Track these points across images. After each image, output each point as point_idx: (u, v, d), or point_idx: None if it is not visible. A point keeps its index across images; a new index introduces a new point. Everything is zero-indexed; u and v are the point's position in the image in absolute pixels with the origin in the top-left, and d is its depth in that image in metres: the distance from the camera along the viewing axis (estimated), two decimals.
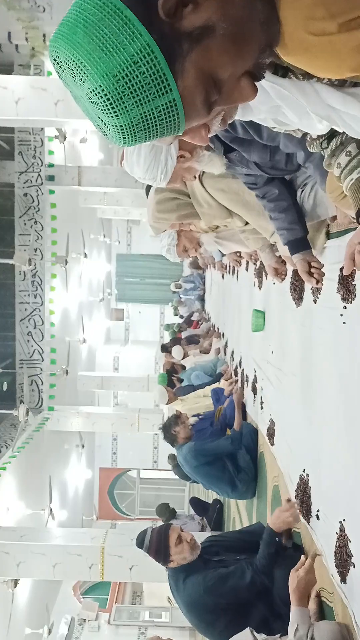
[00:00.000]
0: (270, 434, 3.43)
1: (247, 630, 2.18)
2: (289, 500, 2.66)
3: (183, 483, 14.35)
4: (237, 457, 3.99)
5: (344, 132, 1.37)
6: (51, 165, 9.50)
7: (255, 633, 2.16)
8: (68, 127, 8.98)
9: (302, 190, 2.05)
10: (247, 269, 4.75)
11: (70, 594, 11.56)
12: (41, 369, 9.46)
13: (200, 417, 4.68)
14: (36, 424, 9.17)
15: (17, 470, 8.21)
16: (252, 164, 1.79)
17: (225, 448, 3.97)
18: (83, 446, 12.39)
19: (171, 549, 2.52)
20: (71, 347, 10.86)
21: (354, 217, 1.49)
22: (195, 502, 6.89)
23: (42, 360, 9.46)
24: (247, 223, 2.49)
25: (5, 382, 8.36)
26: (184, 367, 7.02)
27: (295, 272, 2.72)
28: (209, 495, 7.37)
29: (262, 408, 3.81)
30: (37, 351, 9.44)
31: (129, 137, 0.66)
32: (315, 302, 2.39)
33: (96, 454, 15.80)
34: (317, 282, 2.01)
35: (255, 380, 4.15)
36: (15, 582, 6.98)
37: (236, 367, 5.39)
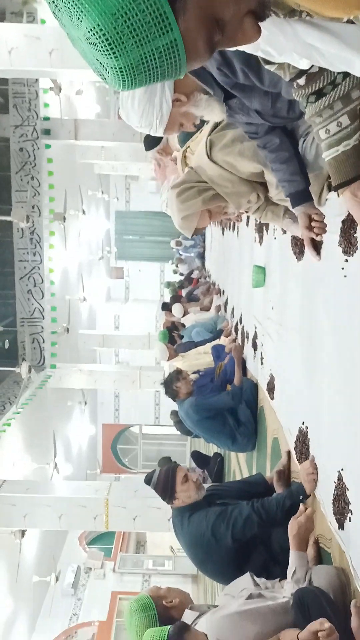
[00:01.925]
0: (270, 388, 3.47)
1: (248, 574, 2.26)
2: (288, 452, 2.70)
3: (184, 438, 14.64)
4: (238, 412, 4.04)
5: (334, 93, 1.32)
6: (47, 119, 9.27)
7: (255, 577, 2.24)
8: (63, 78, 8.71)
9: (304, 140, 2.00)
10: (247, 224, 4.70)
11: (76, 544, 11.96)
12: (42, 327, 9.50)
13: (200, 373, 4.72)
14: (39, 381, 9.28)
15: (22, 426, 8.36)
16: (253, 111, 1.74)
17: (225, 403, 4.02)
18: (86, 403, 12.57)
19: (177, 486, 2.59)
20: (71, 305, 10.87)
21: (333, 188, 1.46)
22: (197, 456, 7.03)
23: (43, 319, 9.49)
24: (266, 196, 2.41)
25: (7, 340, 8.42)
26: (184, 325, 7.03)
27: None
28: (210, 450, 7.52)
29: (262, 363, 3.84)
30: (38, 309, 9.46)
31: (128, 80, 0.64)
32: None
33: (99, 411, 16.06)
34: (317, 235, 1.98)
35: (255, 337, 4.16)
36: (23, 532, 7.21)
37: (236, 323, 5.40)
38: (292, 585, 1.93)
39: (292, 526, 2.01)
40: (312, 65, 1.26)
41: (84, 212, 11.62)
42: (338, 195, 1.47)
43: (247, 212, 2.60)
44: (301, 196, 1.97)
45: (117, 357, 15.81)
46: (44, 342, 9.54)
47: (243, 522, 2.51)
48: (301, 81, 1.32)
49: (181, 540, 2.75)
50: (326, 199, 2.19)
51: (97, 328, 14.78)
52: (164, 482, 2.66)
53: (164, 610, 2.10)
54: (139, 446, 16.91)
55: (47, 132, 9.19)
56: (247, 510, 2.53)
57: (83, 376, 10.01)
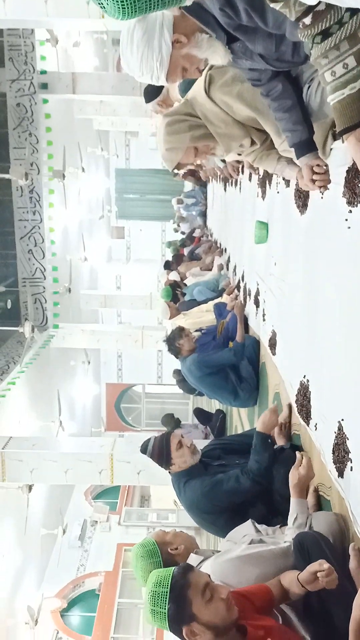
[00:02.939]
0: (272, 344, 3.49)
1: (249, 521, 2.33)
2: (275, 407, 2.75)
3: (187, 396, 14.83)
4: (240, 368, 4.07)
5: (340, 33, 1.27)
6: (44, 72, 9.01)
7: (256, 524, 2.30)
8: (60, 28, 8.41)
9: (309, 87, 1.94)
10: (249, 179, 4.62)
11: (82, 498, 12.29)
12: (44, 288, 9.50)
13: (203, 331, 4.73)
14: (42, 341, 9.34)
15: (27, 385, 8.47)
16: (257, 55, 1.68)
17: (227, 359, 4.04)
18: (89, 362, 12.69)
19: (172, 452, 2.63)
20: (73, 265, 10.83)
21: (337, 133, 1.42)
22: (199, 412, 7.14)
23: (45, 279, 9.47)
24: (262, 141, 2.34)
25: (9, 300, 8.43)
26: (186, 284, 7.01)
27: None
28: (212, 407, 7.63)
29: (264, 320, 3.85)
30: (39, 269, 9.43)
31: (128, 8, 0.61)
32: (319, 208, 2.34)
33: (102, 370, 16.22)
34: (321, 189, 1.94)
35: (257, 294, 4.16)
36: (30, 487, 7.40)
37: (238, 281, 5.39)
38: (293, 530, 1.99)
39: (292, 476, 2.06)
40: (320, 2, 1.21)
41: (83, 169, 11.44)
42: (343, 141, 1.44)
43: (239, 155, 2.54)
44: (305, 146, 1.93)
45: (119, 317, 15.87)
46: (46, 302, 9.55)
47: (239, 490, 2.57)
48: (307, 20, 1.28)
49: (181, 503, 2.83)
50: (331, 149, 2.14)
51: (98, 288, 14.77)
52: (159, 449, 2.70)
53: (169, 557, 2.17)
54: (142, 405, 17.15)
55: (44, 86, 8.95)
56: (243, 481, 2.58)
57: (86, 336, 10.07)
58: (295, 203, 2.76)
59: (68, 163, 9.59)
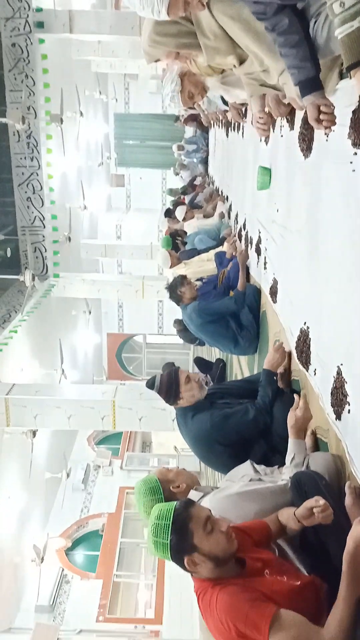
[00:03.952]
0: (273, 292, 3.49)
1: (248, 462, 2.40)
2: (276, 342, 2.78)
3: (187, 346, 14.95)
4: (240, 316, 4.09)
5: None
6: (39, 10, 8.60)
7: (255, 465, 2.37)
8: None
9: (316, 21, 1.85)
10: (252, 122, 4.48)
11: (85, 444, 12.60)
12: (43, 236, 9.40)
13: (204, 281, 4.73)
14: (42, 290, 9.34)
15: (28, 334, 8.52)
16: None
17: (228, 307, 4.06)
18: (90, 312, 12.72)
19: (181, 386, 2.67)
20: (72, 213, 10.68)
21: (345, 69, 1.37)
22: (199, 361, 7.22)
23: (44, 227, 9.36)
24: (244, 62, 2.27)
25: (9, 249, 8.37)
26: (186, 233, 6.94)
27: (305, 120, 2.58)
28: (213, 357, 7.71)
29: (265, 268, 3.84)
30: (38, 218, 9.30)
31: None
32: (323, 150, 2.29)
33: (103, 320, 16.30)
34: (326, 129, 1.89)
35: (259, 241, 4.13)
36: (34, 432, 7.58)
37: (240, 229, 5.33)
38: (290, 469, 2.05)
39: (290, 417, 2.11)
40: None
41: (81, 114, 11.11)
42: (350, 77, 1.39)
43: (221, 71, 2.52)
44: (311, 84, 1.86)
45: (119, 267, 15.79)
46: (45, 251, 9.48)
47: (247, 422, 2.63)
48: None
49: (185, 437, 2.89)
50: (336, 89, 2.08)
51: (98, 238, 14.63)
52: (168, 383, 2.73)
53: (171, 495, 2.25)
54: (143, 355, 17.32)
55: (40, 24, 8.56)
56: (251, 414, 2.63)
57: (86, 286, 10.06)
58: (300, 146, 2.70)
59: (66, 107, 9.30)
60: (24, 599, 8.32)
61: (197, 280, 4.71)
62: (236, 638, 1.43)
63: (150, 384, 2.80)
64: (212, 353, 8.26)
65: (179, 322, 8.69)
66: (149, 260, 12.05)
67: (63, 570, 9.09)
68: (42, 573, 8.16)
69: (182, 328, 8.77)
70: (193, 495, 2.00)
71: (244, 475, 2.28)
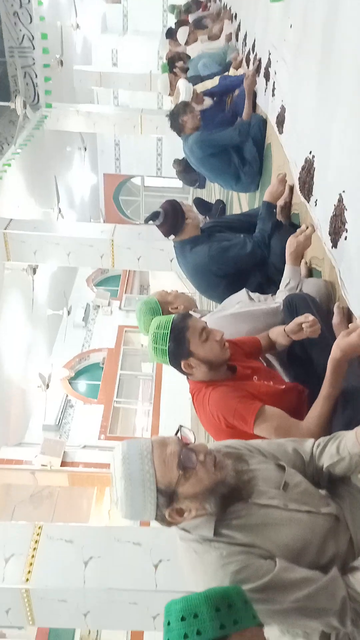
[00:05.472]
0: (280, 121, 3.32)
1: (243, 290, 2.49)
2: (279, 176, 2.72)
3: (187, 190, 14.59)
4: (244, 150, 3.93)
5: None
6: None
7: (250, 292, 2.47)
8: None
9: None
10: None
11: (84, 285, 12.90)
12: (33, 59, 8.61)
13: (213, 98, 4.38)
14: (35, 121, 8.81)
15: (23, 168, 8.23)
16: None
17: (231, 139, 3.87)
18: (85, 149, 12.17)
19: (187, 213, 2.68)
20: (64, 34, 9.68)
21: None
22: (199, 202, 7.09)
23: (34, 49, 8.53)
24: None
25: None
26: (189, 57, 6.35)
27: None
28: (212, 199, 7.58)
29: (273, 95, 3.60)
30: (27, 37, 8.43)
31: None
32: None
33: (99, 160, 15.65)
34: None
35: (268, 65, 3.81)
36: (34, 270, 7.72)
37: (248, 52, 4.89)
38: (284, 293, 2.14)
39: (291, 243, 2.14)
40: None
41: None
42: None
43: None
44: None
45: (116, 99, 14.71)
46: (36, 77, 8.75)
47: (244, 254, 2.67)
48: None
49: (184, 270, 2.95)
50: None
51: (93, 64, 13.44)
52: (174, 211, 2.71)
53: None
54: (141, 198, 16.94)
55: None
56: (249, 247, 2.65)
57: (81, 118, 9.46)
58: None
59: None
60: (32, 420, 9.15)
61: (205, 95, 4.39)
62: (225, 429, 1.61)
63: (154, 216, 2.77)
64: (212, 196, 8.10)
65: (178, 163, 8.36)
66: (148, 92, 11.22)
67: (67, 396, 9.87)
68: (48, 398, 8.88)
69: (181, 169, 8.47)
70: None
71: (239, 301, 2.38)
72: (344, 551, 1.20)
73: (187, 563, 1.18)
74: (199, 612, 0.88)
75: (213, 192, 8.10)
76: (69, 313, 10.65)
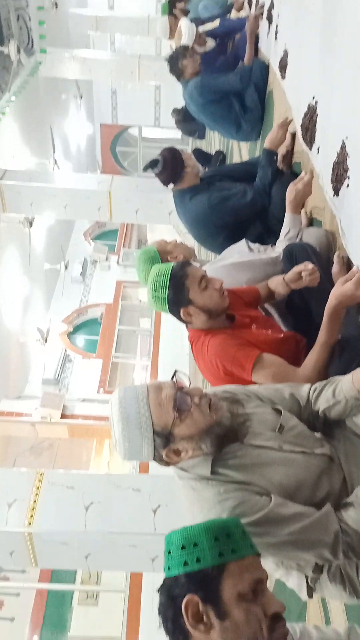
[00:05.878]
0: (283, 66, 3.21)
1: (243, 240, 2.47)
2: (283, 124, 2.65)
3: (186, 141, 14.24)
4: (245, 96, 3.82)
5: None
6: None
7: (250, 243, 2.44)
8: None
9: None
10: None
11: (82, 239, 12.77)
12: (27, 1, 8.23)
13: (216, 40, 4.22)
14: (29, 67, 8.51)
15: (17, 117, 8.00)
16: None
17: (233, 85, 3.75)
18: (81, 97, 11.81)
19: (186, 161, 2.62)
20: None
21: None
22: (198, 153, 6.93)
23: None
24: None
25: None
26: None
27: None
28: (212, 150, 7.41)
29: (276, 38, 3.47)
30: None
31: None
32: None
33: (96, 109, 15.20)
34: None
35: (271, 6, 3.66)
36: (31, 222, 7.62)
37: None
38: (284, 242, 2.12)
39: (290, 191, 2.10)
40: None
41: None
42: None
43: None
44: None
45: (112, 45, 14.15)
46: (30, 20, 8.38)
47: (245, 203, 2.62)
48: None
49: (183, 219, 2.91)
50: None
51: (88, 7, 12.87)
52: (173, 159, 2.64)
53: None
54: (139, 149, 16.55)
55: None
56: (249, 196, 2.60)
57: (76, 64, 9.12)
58: None
59: None
60: (32, 373, 9.23)
61: (207, 36, 4.23)
62: (224, 376, 1.63)
63: (152, 164, 2.70)
64: (211, 148, 7.92)
65: (177, 112, 8.11)
66: (145, 37, 10.79)
67: (66, 350, 9.93)
68: (47, 352, 8.93)
69: (180, 118, 8.23)
70: None
71: (239, 252, 2.36)
72: (337, 490, 1.23)
73: (186, 499, 1.23)
74: (198, 541, 0.92)
75: (213, 143, 7.92)
76: (66, 267, 10.57)
